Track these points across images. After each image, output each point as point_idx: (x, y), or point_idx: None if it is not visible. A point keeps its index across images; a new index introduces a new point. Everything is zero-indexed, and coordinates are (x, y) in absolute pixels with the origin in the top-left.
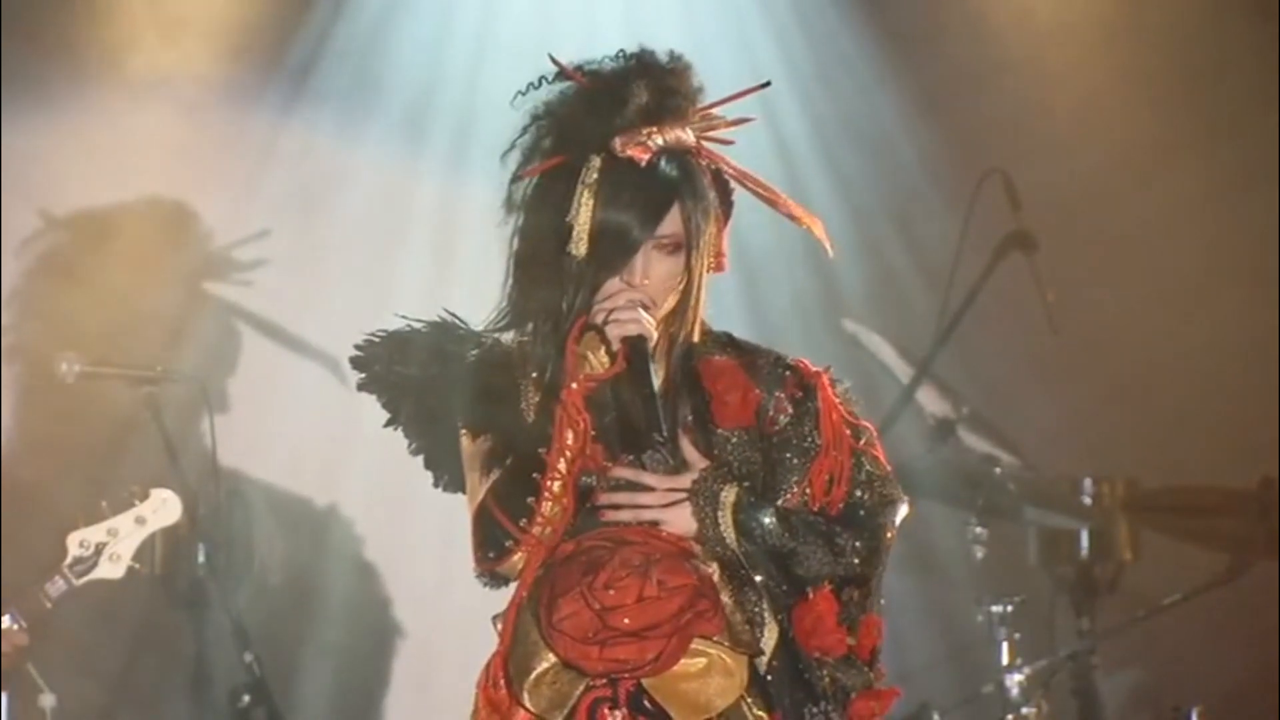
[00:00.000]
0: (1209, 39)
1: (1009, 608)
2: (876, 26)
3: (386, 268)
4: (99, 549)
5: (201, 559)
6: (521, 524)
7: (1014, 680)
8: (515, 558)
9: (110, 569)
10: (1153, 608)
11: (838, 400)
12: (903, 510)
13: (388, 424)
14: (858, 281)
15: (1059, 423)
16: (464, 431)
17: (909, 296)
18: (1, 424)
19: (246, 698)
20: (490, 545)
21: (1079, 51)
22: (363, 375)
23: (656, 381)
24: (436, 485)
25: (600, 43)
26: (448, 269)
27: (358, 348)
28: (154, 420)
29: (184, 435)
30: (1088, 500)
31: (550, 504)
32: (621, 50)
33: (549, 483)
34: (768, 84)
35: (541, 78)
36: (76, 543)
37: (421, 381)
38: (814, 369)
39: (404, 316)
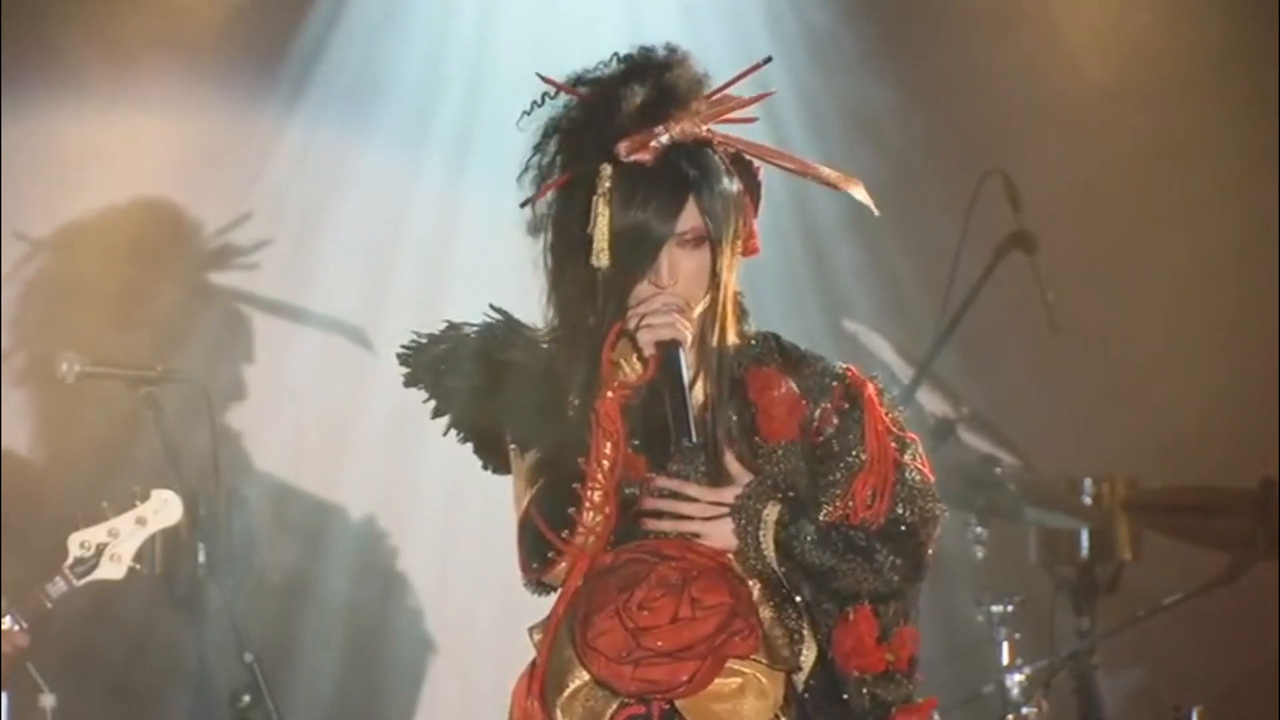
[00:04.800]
0: (1209, 39)
1: (1009, 608)
2: (877, 26)
3: (387, 268)
4: (100, 549)
5: (201, 559)
6: (564, 535)
7: (1014, 680)
8: (559, 567)
9: (111, 569)
10: (1153, 608)
11: (884, 411)
12: (943, 522)
13: (434, 416)
14: (858, 281)
15: (1059, 423)
16: (509, 441)
17: (909, 296)
18: (1, 424)
19: (246, 698)
20: (534, 556)
21: (1079, 52)
22: (406, 371)
23: (695, 388)
24: (485, 469)
25: (601, 40)
26: (448, 269)
27: (403, 346)
28: (154, 420)
29: (184, 435)
30: (1088, 500)
31: (591, 513)
32: (616, 53)
33: (589, 492)
34: (768, 60)
35: (544, 95)
36: (77, 543)
37: (460, 387)
38: (861, 378)
39: (449, 321)
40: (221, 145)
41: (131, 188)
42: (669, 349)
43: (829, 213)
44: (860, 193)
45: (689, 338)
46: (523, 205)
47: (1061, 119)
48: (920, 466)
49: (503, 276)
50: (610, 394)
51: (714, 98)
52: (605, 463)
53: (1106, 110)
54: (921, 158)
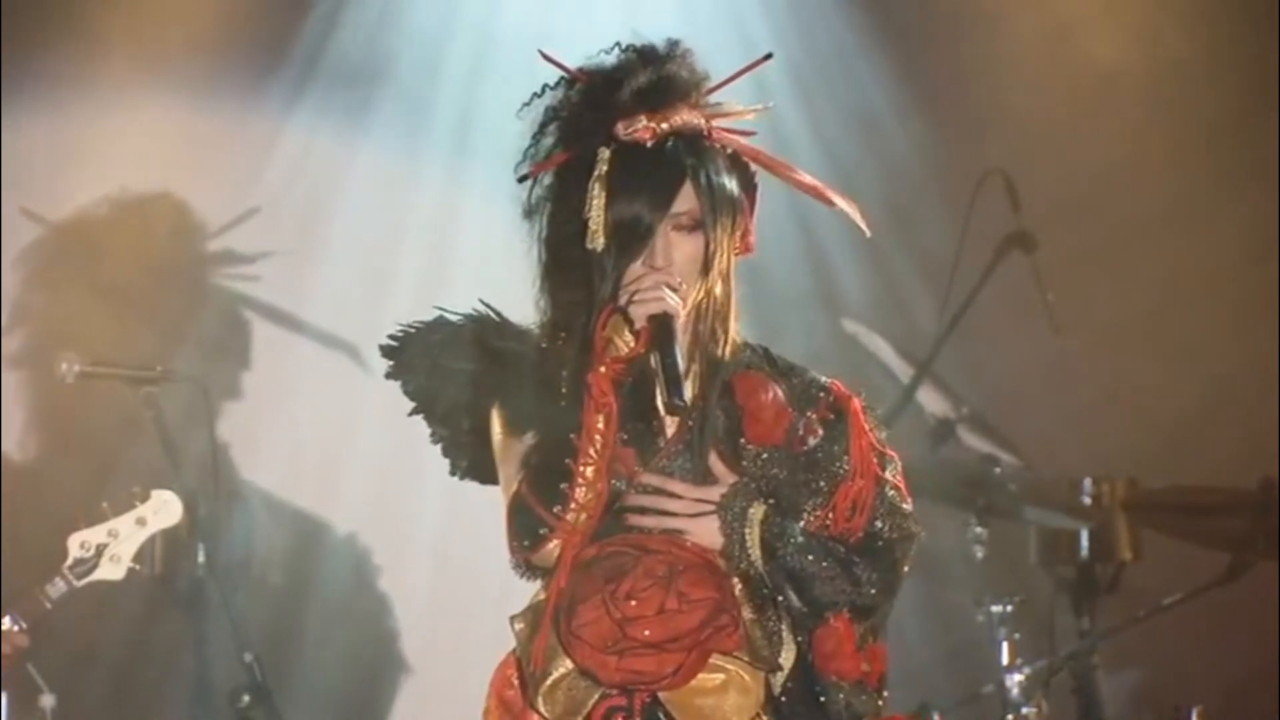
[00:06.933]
0: (1209, 39)
1: (1009, 608)
2: (876, 25)
3: (387, 264)
4: (100, 550)
5: (201, 559)
6: (555, 510)
7: (1014, 680)
8: (550, 545)
9: (111, 570)
10: (1153, 608)
11: (868, 427)
12: (918, 543)
13: (413, 413)
14: (858, 281)
15: (1059, 423)
16: (499, 429)
17: (909, 296)
18: (1, 424)
19: (246, 698)
20: (525, 533)
21: (1079, 51)
22: (392, 363)
23: (687, 383)
24: (454, 473)
25: (600, 36)
26: (448, 265)
27: (391, 336)
28: (154, 420)
29: (184, 435)
30: (1088, 500)
31: (584, 489)
32: (618, 43)
33: (581, 468)
34: (769, 57)
35: (545, 85)
36: (77, 544)
37: (456, 374)
38: (847, 392)
39: (441, 309)
40: (221, 143)
41: (131, 187)
42: (662, 321)
43: (828, 212)
44: (853, 212)
45: (681, 312)
46: (520, 180)
47: (1061, 118)
48: (900, 484)
49: (503, 274)
50: (603, 368)
51: (714, 94)
52: (597, 437)
53: (1106, 110)
54: (921, 158)
